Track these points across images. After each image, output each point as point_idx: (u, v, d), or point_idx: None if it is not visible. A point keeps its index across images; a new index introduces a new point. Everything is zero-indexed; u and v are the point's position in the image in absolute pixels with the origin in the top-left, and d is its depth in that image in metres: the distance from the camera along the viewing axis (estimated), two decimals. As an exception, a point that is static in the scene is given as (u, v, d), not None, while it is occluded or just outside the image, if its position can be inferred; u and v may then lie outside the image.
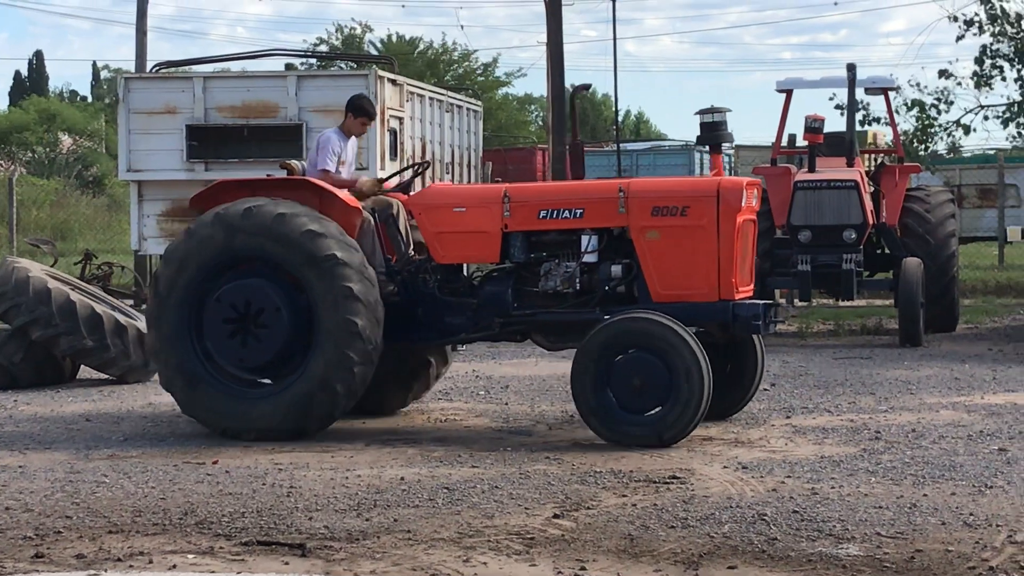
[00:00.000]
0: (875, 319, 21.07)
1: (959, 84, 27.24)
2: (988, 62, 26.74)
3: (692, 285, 11.51)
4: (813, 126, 18.99)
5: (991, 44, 26.80)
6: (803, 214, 18.77)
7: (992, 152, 38.11)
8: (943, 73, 27.01)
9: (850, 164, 19.60)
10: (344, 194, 12.06)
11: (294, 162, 12.88)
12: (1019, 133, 27.83)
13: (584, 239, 11.81)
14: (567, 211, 11.85)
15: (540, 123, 69.84)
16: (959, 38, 27.05)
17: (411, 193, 12.70)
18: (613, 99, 41.84)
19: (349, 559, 7.65)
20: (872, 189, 19.78)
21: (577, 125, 14.38)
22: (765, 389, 14.16)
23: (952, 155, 29.69)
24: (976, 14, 26.69)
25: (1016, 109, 26.80)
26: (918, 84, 27.56)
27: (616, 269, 11.76)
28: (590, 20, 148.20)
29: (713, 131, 12.94)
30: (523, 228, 11.93)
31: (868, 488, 9.20)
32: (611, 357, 11.03)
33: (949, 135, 27.88)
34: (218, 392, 11.62)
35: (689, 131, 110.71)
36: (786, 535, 7.98)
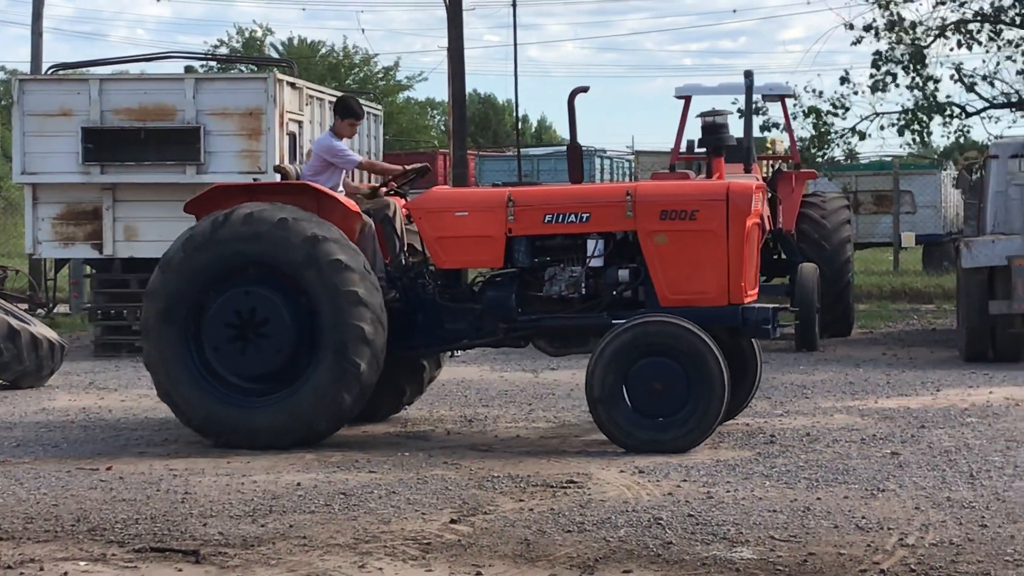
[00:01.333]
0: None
1: (855, 92, 27.61)
2: (884, 67, 27.12)
3: (701, 289, 11.43)
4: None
5: (887, 50, 27.18)
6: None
7: (888, 159, 38.56)
8: (844, 80, 27.38)
9: (747, 170, 19.72)
10: (344, 198, 11.91)
11: (288, 165, 12.70)
12: (914, 140, 28.25)
13: (590, 243, 11.73)
14: (573, 215, 11.72)
15: (442, 128, 69.79)
16: (856, 42, 27.40)
17: (409, 197, 12.57)
18: (514, 104, 42.01)
19: (244, 565, 7.59)
20: (769, 195, 19.93)
21: (575, 127, 14.32)
22: (663, 393, 14.23)
23: (849, 161, 30.06)
24: (874, 20, 27.06)
25: (911, 116, 27.19)
26: (815, 91, 27.92)
27: (624, 274, 11.67)
28: (493, 25, 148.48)
29: (714, 134, 12.73)
30: (527, 232, 11.78)
31: (762, 492, 9.27)
32: (628, 363, 10.92)
33: (845, 141, 28.24)
34: (218, 403, 11.34)
35: (592, 136, 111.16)
36: (681, 539, 8.02)
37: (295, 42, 66.19)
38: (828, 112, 27.48)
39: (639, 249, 11.60)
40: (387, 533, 8.22)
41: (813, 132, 27.94)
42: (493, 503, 9.03)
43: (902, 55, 27.18)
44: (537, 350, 12.16)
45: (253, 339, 11.34)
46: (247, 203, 11.57)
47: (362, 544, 7.97)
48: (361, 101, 17.03)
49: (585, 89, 14.44)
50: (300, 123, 21.44)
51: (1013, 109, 27.82)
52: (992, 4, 27.28)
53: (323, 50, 66.04)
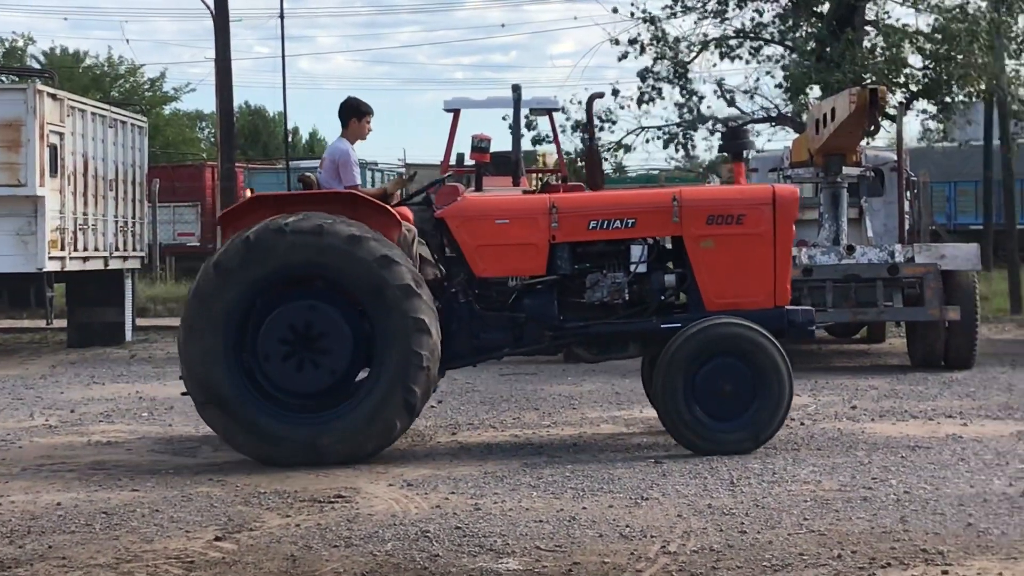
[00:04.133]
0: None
1: (622, 107, 28.07)
2: (650, 82, 27.63)
3: (747, 292, 11.55)
4: (480, 146, 19.13)
5: (652, 65, 27.70)
6: (470, 232, 18.94)
7: (655, 172, 39.22)
8: (615, 93, 27.80)
9: (516, 183, 19.91)
10: (388, 207, 11.53)
11: (310, 175, 12.30)
12: (679, 153, 28.81)
13: (635, 249, 11.76)
14: (618, 221, 11.70)
15: (211, 140, 68.90)
16: (622, 57, 27.85)
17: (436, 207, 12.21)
18: (283, 116, 41.61)
19: (-1, 589, 7.39)
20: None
21: (593, 131, 14.20)
22: (432, 406, 14.28)
23: (617, 174, 30.53)
24: (639, 35, 27.55)
25: (676, 129, 27.73)
26: (583, 104, 28.28)
27: (670, 278, 11.77)
28: (263, 37, 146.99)
29: (736, 139, 12.71)
30: (571, 239, 11.72)
31: (529, 502, 9.33)
32: (697, 365, 11.02)
33: (612, 155, 28.69)
34: (262, 415, 10.93)
35: (363, 149, 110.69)
36: (448, 551, 8.03)
37: (57, 52, 64.77)
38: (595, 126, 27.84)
39: (684, 254, 11.70)
40: (149, 552, 8.06)
41: (581, 146, 28.33)
42: (259, 519, 8.92)
43: (667, 70, 27.72)
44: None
45: (309, 355, 10.99)
46: (314, 213, 11.11)
47: (123, 564, 7.81)
48: (125, 112, 16.86)
49: (601, 95, 14.57)
50: (61, 135, 20.99)
51: (772, 123, 28.55)
52: (752, 21, 27.98)
53: (87, 60, 64.74)
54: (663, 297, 11.80)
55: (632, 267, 11.77)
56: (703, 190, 12.37)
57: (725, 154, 12.92)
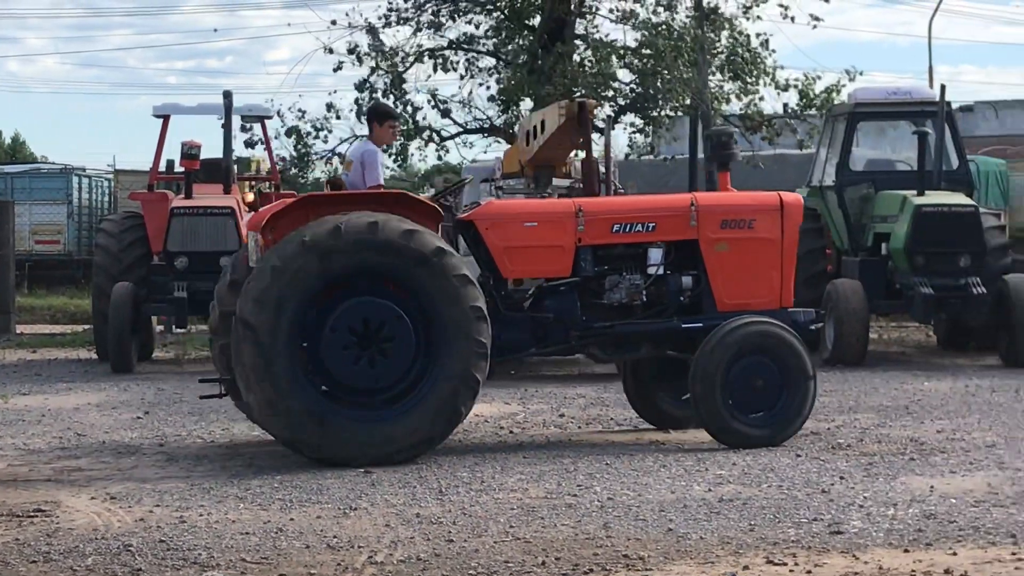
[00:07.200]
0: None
1: (337, 117, 28.01)
2: (366, 91, 27.63)
3: (756, 294, 12.16)
4: (190, 152, 19.01)
5: (369, 76, 27.70)
6: (180, 240, 18.76)
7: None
8: (330, 107, 27.71)
9: (227, 191, 19.73)
10: (432, 205, 11.59)
11: (340, 177, 12.24)
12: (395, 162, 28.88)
13: (653, 252, 12.19)
14: (640, 224, 12.18)
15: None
16: (337, 67, 27.80)
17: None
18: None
19: None
20: (250, 215, 19.93)
21: (590, 142, 14.03)
22: (139, 417, 14.03)
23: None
24: (355, 45, 27.51)
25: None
26: (300, 112, 28.16)
27: (687, 280, 12.20)
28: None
29: (722, 149, 12.72)
30: (595, 242, 12.13)
31: (236, 514, 9.23)
32: (731, 361, 11.53)
33: (327, 163, 28.60)
34: (349, 423, 11.00)
35: (71, 154, 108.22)
36: (151, 565, 7.89)
37: None
38: (308, 133, 27.79)
39: (699, 256, 12.19)
40: None
41: (295, 153, 28.20)
42: (-47, 536, 8.63)
43: (383, 81, 27.75)
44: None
45: (375, 352, 11.08)
46: (364, 212, 11.14)
47: None
48: None
49: (600, 104, 14.41)
50: None
51: (486, 134, 28.85)
52: (466, 34, 28.23)
53: None
54: (681, 299, 12.25)
55: (652, 269, 12.24)
56: (718, 196, 12.85)
57: (441, 164, 13.15)
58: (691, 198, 12.52)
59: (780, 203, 12.41)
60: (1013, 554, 7.90)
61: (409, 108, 27.81)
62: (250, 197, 21.52)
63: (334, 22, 27.91)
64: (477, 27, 28.37)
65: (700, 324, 11.99)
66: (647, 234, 12.27)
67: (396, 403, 11.16)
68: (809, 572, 7.60)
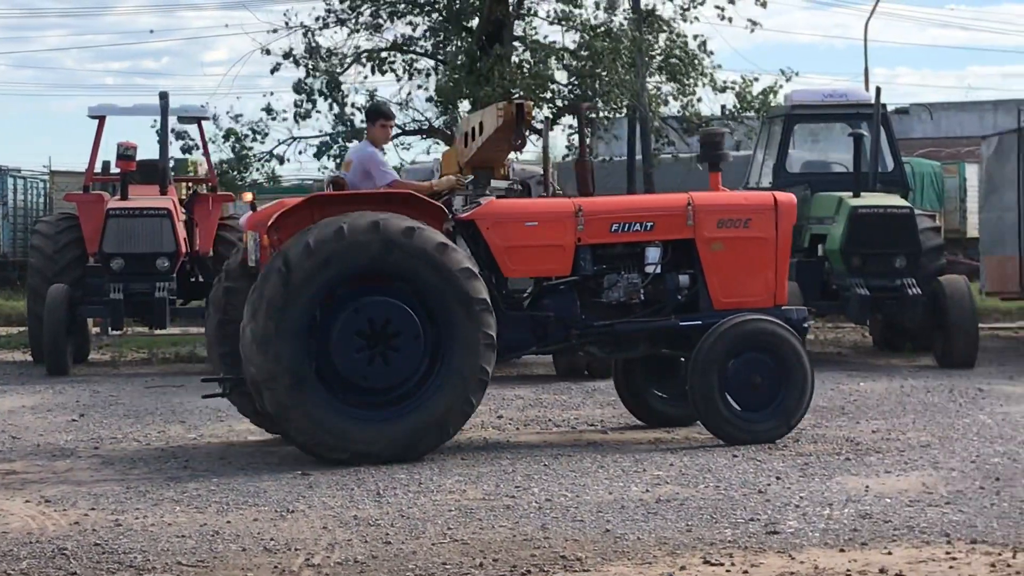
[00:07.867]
0: (189, 347, 21.14)
1: (273, 118, 27.86)
2: (304, 95, 27.50)
3: (751, 292, 12.30)
4: (126, 153, 18.87)
5: (305, 77, 27.57)
6: (116, 242, 18.64)
7: (310, 182, 39.07)
8: (268, 110, 27.55)
9: (163, 192, 19.63)
10: (438, 205, 11.76)
11: (342, 177, 12.19)
12: (333, 163, 28.76)
13: (650, 251, 12.31)
14: (638, 224, 12.32)
15: None
16: (275, 69, 27.65)
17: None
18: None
19: None
20: (185, 217, 19.87)
21: (585, 142, 13.99)
22: (74, 420, 13.94)
23: (271, 184, 30.30)
24: (291, 48, 27.37)
25: (330, 141, 27.67)
26: (237, 115, 27.97)
27: (684, 279, 12.32)
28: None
29: (713, 149, 12.70)
30: (595, 241, 12.22)
31: (172, 517, 9.18)
32: (729, 358, 11.66)
33: (264, 165, 28.46)
34: (323, 403, 11.00)
35: (3, 155, 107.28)
36: (86, 568, 7.84)
37: None
38: (246, 136, 27.63)
39: (695, 255, 12.32)
40: None
41: (232, 155, 28.02)
42: None
43: (321, 83, 27.62)
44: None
45: (385, 350, 11.15)
46: (367, 212, 11.21)
47: None
48: None
49: (594, 104, 14.45)
50: None
51: (424, 136, 28.78)
52: (403, 36, 28.15)
53: None
54: (679, 298, 12.33)
55: (649, 268, 12.34)
56: (714, 195, 12.92)
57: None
58: (688, 198, 12.60)
59: (775, 203, 12.58)
60: (947, 553, 7.98)
61: (348, 109, 27.69)
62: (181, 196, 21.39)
63: (275, 30, 27.72)
64: (415, 29, 28.30)
65: (697, 322, 12.15)
66: (645, 233, 12.40)
67: (409, 399, 11.27)
68: (746, 572, 7.64)
